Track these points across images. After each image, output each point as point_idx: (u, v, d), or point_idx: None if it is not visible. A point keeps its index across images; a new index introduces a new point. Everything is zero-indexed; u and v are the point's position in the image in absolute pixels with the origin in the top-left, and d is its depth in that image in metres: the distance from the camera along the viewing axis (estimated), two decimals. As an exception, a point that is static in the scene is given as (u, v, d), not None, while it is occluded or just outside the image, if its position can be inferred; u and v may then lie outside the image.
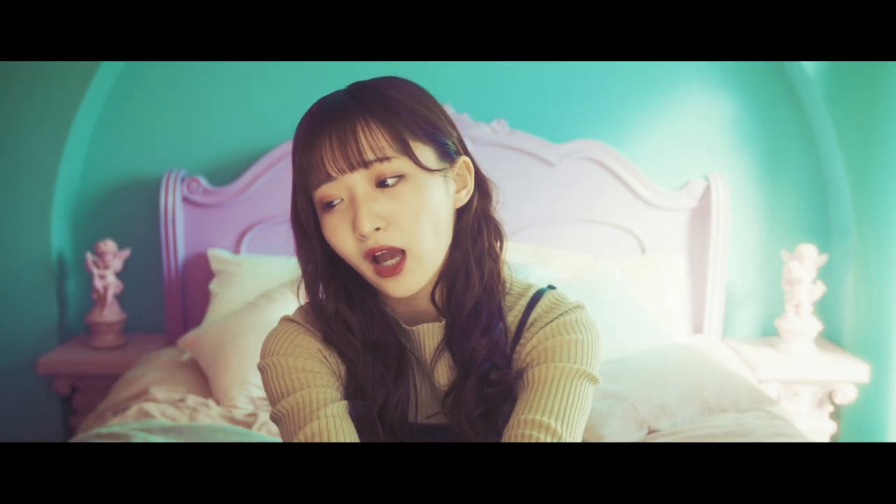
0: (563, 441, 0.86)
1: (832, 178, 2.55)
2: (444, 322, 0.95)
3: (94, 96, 2.50)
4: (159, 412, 1.91)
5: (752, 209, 2.63)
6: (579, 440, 0.90)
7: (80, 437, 1.80)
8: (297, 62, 2.54)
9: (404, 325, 0.97)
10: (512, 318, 0.97)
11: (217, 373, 2.07)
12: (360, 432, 0.94)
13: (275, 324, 2.47)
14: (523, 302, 0.97)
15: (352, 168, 0.86)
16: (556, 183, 2.56)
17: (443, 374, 0.97)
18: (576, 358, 0.91)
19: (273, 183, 2.53)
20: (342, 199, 0.88)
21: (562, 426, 0.87)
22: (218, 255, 2.51)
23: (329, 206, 0.89)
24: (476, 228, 0.96)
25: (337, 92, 0.92)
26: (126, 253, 2.53)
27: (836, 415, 2.53)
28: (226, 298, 2.41)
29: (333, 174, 0.87)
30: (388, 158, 0.87)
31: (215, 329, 2.20)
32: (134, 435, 1.72)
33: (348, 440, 0.88)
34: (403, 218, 0.87)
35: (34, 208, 2.49)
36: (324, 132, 0.87)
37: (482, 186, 0.97)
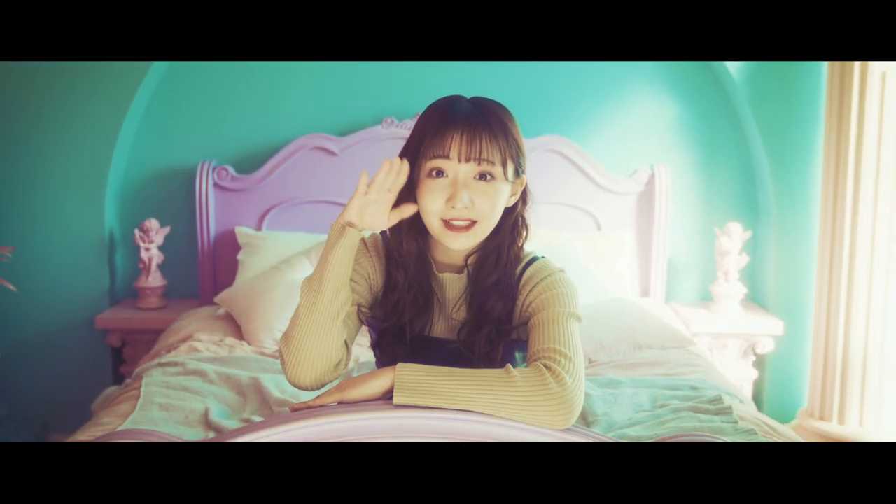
0: (574, 363, 1.15)
1: (757, 166, 3.05)
2: (464, 274, 1.33)
3: (140, 98, 2.99)
4: (204, 348, 2.41)
5: (690, 192, 3.13)
6: (584, 362, 1.28)
7: (142, 368, 2.29)
8: (308, 70, 3.03)
9: (436, 272, 1.34)
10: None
11: (248, 321, 2.56)
12: (387, 340, 1.33)
13: (293, 284, 2.97)
14: (520, 266, 1.33)
15: (467, 160, 1.23)
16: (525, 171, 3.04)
17: (459, 312, 1.34)
18: (566, 304, 1.26)
19: (289, 171, 3.02)
20: (446, 175, 1.25)
21: (571, 352, 1.17)
22: (244, 232, 3.01)
23: (436, 175, 1.25)
24: (513, 224, 1.33)
25: (461, 100, 1.29)
26: (167, 230, 3.03)
27: (759, 363, 3.03)
28: (251, 266, 2.89)
29: (453, 157, 1.23)
30: (491, 163, 1.24)
31: (245, 287, 2.70)
32: (188, 362, 2.23)
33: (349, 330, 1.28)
34: (482, 203, 1.25)
35: (90, 191, 2.99)
36: (456, 126, 1.24)
37: (525, 196, 1.35)
